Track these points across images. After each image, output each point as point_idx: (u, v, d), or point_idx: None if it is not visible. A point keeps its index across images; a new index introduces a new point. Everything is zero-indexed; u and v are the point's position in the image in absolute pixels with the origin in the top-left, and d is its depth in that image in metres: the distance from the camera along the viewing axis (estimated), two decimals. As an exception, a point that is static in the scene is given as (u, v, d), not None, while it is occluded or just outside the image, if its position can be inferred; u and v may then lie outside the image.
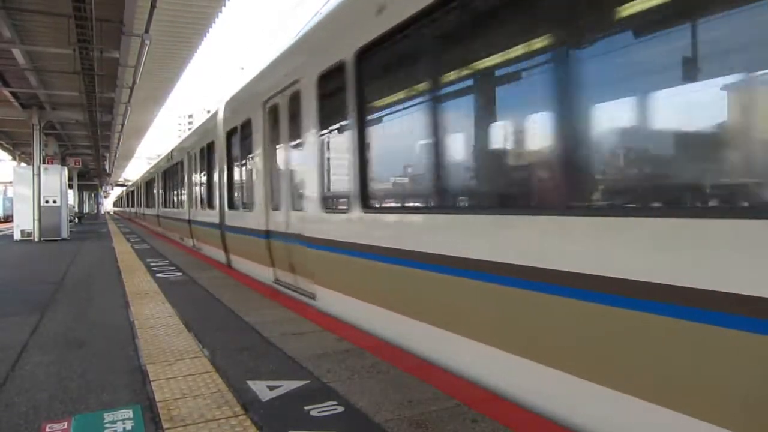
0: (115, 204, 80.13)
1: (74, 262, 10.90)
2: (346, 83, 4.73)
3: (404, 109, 4.42)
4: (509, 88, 3.53)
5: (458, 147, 3.89)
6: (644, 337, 2.37)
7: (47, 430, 2.78)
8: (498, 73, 3.51)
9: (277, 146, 7.03)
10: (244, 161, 8.82)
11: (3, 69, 13.83)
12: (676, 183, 2.58)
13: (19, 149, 27.17)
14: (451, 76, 3.83)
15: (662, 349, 2.30)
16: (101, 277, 8.60)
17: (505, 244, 3.10)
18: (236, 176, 9.37)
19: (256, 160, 7.76)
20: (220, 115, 10.18)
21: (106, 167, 38.17)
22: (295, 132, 6.24)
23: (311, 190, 5.78)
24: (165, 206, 19.96)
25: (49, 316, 5.63)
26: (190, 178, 13.96)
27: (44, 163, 18.30)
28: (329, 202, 5.58)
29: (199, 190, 12.89)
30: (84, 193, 52.51)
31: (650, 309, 2.31)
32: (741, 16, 2.20)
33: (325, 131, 5.59)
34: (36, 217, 17.16)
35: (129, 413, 2.96)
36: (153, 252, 12.89)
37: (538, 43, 3.04)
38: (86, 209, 54.19)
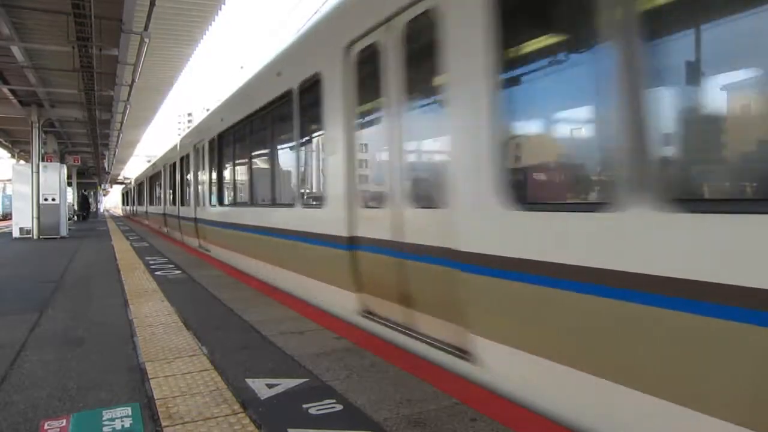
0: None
1: (73, 260, 10.90)
2: (214, 148, 10.90)
3: (231, 161, 10.20)
4: (256, 160, 8.80)
5: (246, 180, 9.37)
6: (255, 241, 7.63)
7: (46, 428, 2.78)
8: (260, 152, 8.58)
9: (199, 169, 12.60)
10: (187, 176, 14.52)
11: (2, 66, 13.77)
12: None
13: (18, 147, 27.11)
14: (243, 149, 9.47)
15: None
16: (100, 275, 8.60)
17: (249, 218, 8.16)
18: (184, 185, 15.09)
19: (191, 176, 13.76)
20: (178, 146, 16.39)
21: (106, 165, 38.11)
22: (203, 164, 12.00)
23: (206, 195, 11.79)
24: (150, 204, 26.57)
25: (47, 314, 5.63)
26: (164, 185, 19.90)
27: (43, 160, 18.24)
28: (210, 201, 11.40)
29: (169, 193, 18.59)
30: (83, 191, 52.37)
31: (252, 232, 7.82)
32: None
33: (211, 167, 11.28)
34: (35, 215, 17.15)
35: (128, 411, 2.96)
36: (152, 250, 12.89)
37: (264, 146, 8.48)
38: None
